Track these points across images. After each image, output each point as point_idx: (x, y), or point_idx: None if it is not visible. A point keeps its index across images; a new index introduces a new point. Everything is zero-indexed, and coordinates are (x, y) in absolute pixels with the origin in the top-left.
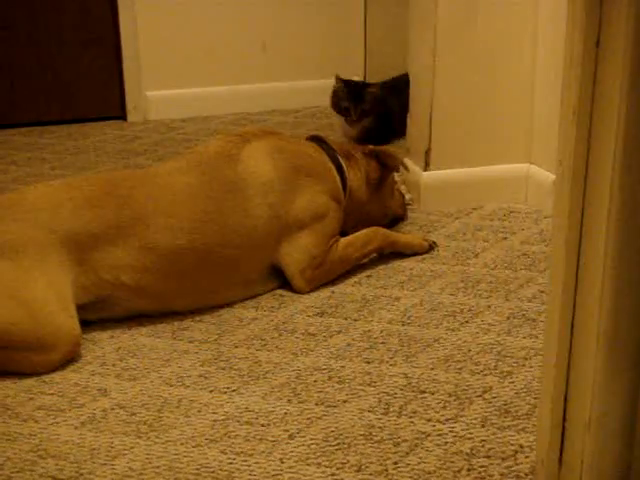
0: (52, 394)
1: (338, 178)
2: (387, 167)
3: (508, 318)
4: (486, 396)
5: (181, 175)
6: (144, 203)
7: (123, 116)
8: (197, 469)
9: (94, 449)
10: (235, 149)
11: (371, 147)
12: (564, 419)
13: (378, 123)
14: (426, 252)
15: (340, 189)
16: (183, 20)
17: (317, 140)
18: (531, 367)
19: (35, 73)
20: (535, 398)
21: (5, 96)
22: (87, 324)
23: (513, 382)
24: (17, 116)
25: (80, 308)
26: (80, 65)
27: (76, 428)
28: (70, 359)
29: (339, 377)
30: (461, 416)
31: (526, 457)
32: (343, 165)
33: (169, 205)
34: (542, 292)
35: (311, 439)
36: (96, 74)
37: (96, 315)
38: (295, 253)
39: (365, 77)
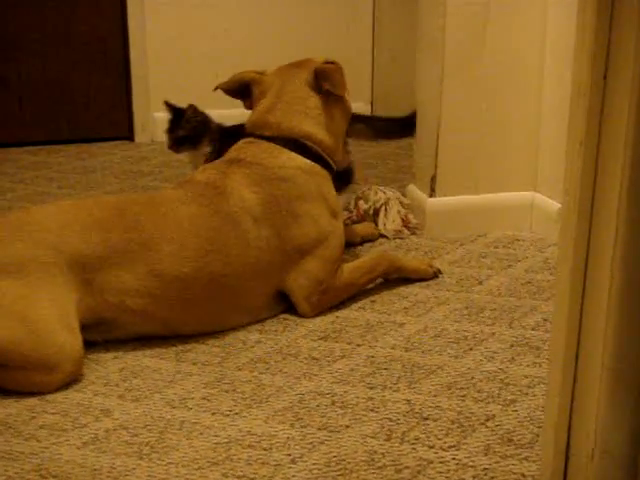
0: (55, 413)
1: (331, 187)
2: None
3: (512, 346)
4: (489, 424)
5: (182, 204)
6: (150, 229)
7: (131, 137)
8: None
9: (96, 470)
10: (219, 181)
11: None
12: (567, 449)
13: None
14: (431, 278)
15: (336, 200)
16: (192, 43)
17: (298, 145)
18: (534, 395)
19: (44, 93)
20: (538, 427)
21: (14, 115)
22: (91, 344)
23: (516, 410)
24: (26, 135)
25: (85, 329)
26: (89, 85)
27: (78, 448)
28: (73, 379)
29: (342, 402)
30: (464, 444)
31: None
32: (330, 162)
33: (175, 233)
34: (546, 320)
35: (313, 464)
36: (105, 95)
37: (101, 336)
38: (300, 279)
39: (372, 102)
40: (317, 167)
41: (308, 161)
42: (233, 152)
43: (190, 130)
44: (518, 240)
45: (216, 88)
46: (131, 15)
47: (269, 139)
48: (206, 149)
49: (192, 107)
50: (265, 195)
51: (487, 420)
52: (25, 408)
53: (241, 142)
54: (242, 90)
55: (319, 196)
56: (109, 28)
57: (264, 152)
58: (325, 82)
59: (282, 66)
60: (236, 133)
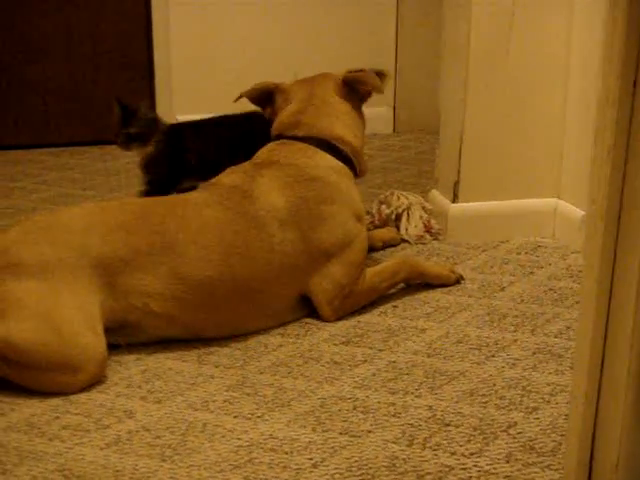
0: (78, 414)
1: (357, 190)
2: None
3: (534, 353)
4: (511, 431)
5: (207, 208)
6: (175, 232)
7: None
8: None
9: (118, 471)
10: (247, 185)
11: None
12: (591, 458)
13: (163, 154)
14: (453, 284)
15: (360, 205)
16: (215, 46)
17: (330, 147)
18: (557, 403)
19: (68, 95)
20: (561, 435)
21: (38, 116)
22: (114, 347)
23: (538, 418)
24: (49, 136)
25: (108, 332)
26: (113, 88)
27: (101, 449)
28: (96, 380)
29: (363, 407)
30: (485, 451)
31: None
32: (355, 163)
33: (198, 237)
34: (569, 328)
35: (335, 468)
36: (129, 97)
37: (124, 340)
38: (324, 283)
39: (395, 107)
40: (346, 169)
41: (339, 162)
42: (264, 154)
43: (141, 128)
44: (541, 247)
45: (240, 97)
46: (155, 18)
47: (301, 139)
48: (150, 148)
49: (144, 104)
50: (295, 198)
51: (509, 427)
52: (49, 408)
53: (272, 144)
54: (264, 98)
55: (347, 198)
56: (133, 31)
57: (298, 153)
58: (363, 86)
59: (302, 79)
60: (181, 133)
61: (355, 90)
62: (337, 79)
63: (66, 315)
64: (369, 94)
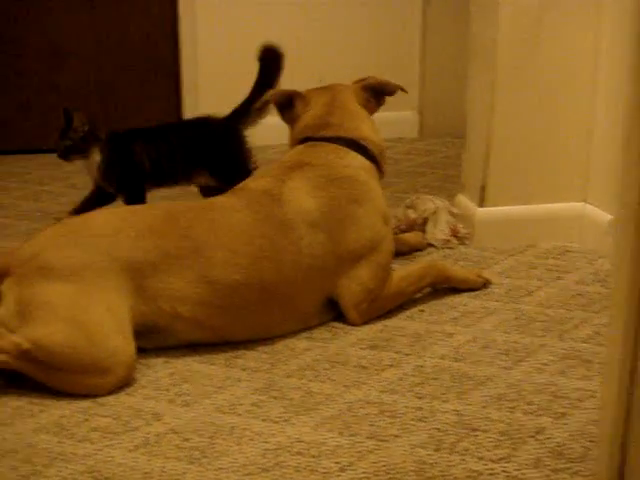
0: (107, 416)
1: (380, 192)
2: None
3: (562, 358)
4: (539, 437)
5: (235, 212)
6: (203, 236)
7: None
8: None
9: (147, 473)
10: (276, 189)
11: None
12: (622, 465)
13: (112, 162)
14: (480, 288)
15: (386, 207)
16: (242, 51)
17: (359, 147)
18: (586, 409)
19: (95, 97)
20: (590, 441)
21: None
22: (142, 350)
23: (567, 424)
24: None
25: (137, 335)
26: (140, 90)
27: (130, 451)
28: (125, 383)
29: (391, 411)
30: (514, 456)
31: None
32: (380, 163)
33: (226, 240)
34: (597, 333)
35: (362, 472)
36: (156, 102)
37: (151, 344)
38: (351, 287)
39: (420, 111)
40: (374, 169)
41: (368, 162)
42: (293, 156)
43: (77, 140)
44: (568, 251)
45: (265, 101)
46: (182, 19)
47: (331, 140)
48: (96, 158)
49: (79, 115)
50: (326, 199)
51: (537, 433)
52: (78, 410)
53: (301, 146)
54: (285, 103)
55: (376, 198)
56: (160, 33)
57: (330, 153)
58: (387, 87)
59: (319, 87)
60: (127, 138)
61: (378, 94)
62: (355, 87)
63: (96, 318)
64: (383, 100)
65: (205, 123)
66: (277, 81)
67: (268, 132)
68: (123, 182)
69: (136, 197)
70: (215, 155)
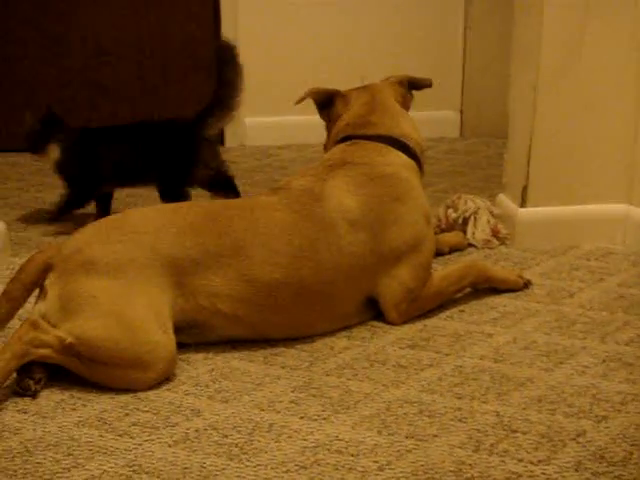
0: (147, 411)
1: (422, 191)
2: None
3: (604, 361)
4: (580, 440)
5: (275, 211)
6: (243, 235)
7: (221, 141)
8: None
9: (186, 468)
10: (317, 188)
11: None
12: None
13: (72, 159)
14: (520, 289)
15: (428, 206)
16: (282, 50)
17: (401, 145)
18: (627, 412)
19: (138, 98)
20: (632, 445)
21: (109, 119)
22: (182, 346)
23: (608, 427)
24: None
25: (177, 331)
26: (182, 91)
27: (169, 446)
28: (165, 378)
29: (429, 411)
30: (554, 459)
31: None
32: (421, 161)
33: (266, 239)
34: None
35: (400, 472)
36: (197, 100)
37: (192, 339)
38: (391, 286)
39: (462, 110)
40: (416, 167)
41: (410, 160)
42: (336, 155)
43: (27, 139)
44: (611, 253)
45: (303, 98)
46: (224, 20)
47: (373, 138)
48: (54, 155)
49: (29, 115)
50: (368, 197)
51: (578, 436)
52: (119, 405)
53: (342, 145)
54: (325, 102)
55: (418, 197)
56: (202, 34)
57: (372, 151)
58: (422, 82)
59: (359, 86)
60: (92, 138)
61: (415, 88)
62: (391, 84)
63: (137, 313)
64: (412, 95)
65: (169, 125)
66: (239, 78)
67: (308, 131)
68: (75, 180)
69: (83, 197)
70: (174, 157)
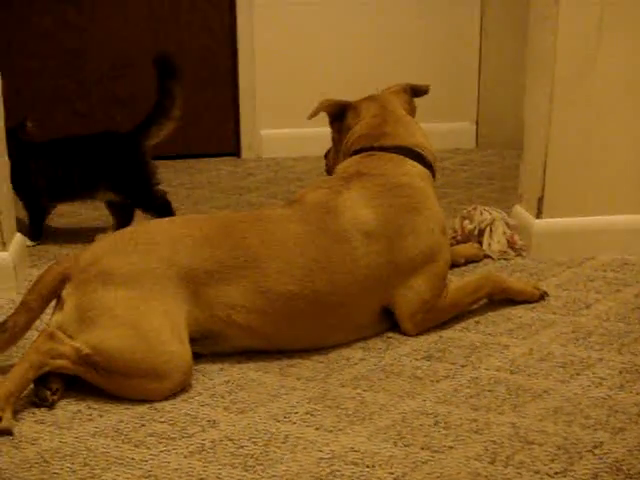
0: (163, 422)
1: (437, 200)
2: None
3: (621, 372)
4: (597, 451)
5: (290, 223)
6: (257, 247)
7: (237, 153)
8: None
9: (202, 479)
10: (332, 201)
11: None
12: None
13: (13, 175)
14: (536, 301)
15: (443, 217)
16: (299, 63)
17: (416, 155)
18: None
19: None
20: None
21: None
22: (197, 356)
23: (625, 439)
24: None
25: (192, 341)
26: (198, 103)
27: (185, 457)
28: (181, 388)
29: (445, 422)
30: (570, 470)
31: None
32: (434, 170)
33: (281, 251)
34: None
35: None
36: (213, 112)
37: (207, 350)
38: (407, 296)
39: (477, 122)
40: (430, 177)
41: (425, 169)
42: (351, 167)
43: None
44: (627, 264)
45: (317, 112)
46: (240, 34)
47: (388, 149)
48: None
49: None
50: (383, 207)
51: (595, 447)
52: (135, 416)
53: (357, 156)
54: (338, 114)
55: (434, 207)
56: (219, 45)
57: (388, 162)
58: (423, 89)
59: (367, 96)
60: (26, 152)
61: (415, 95)
62: (398, 93)
63: (154, 324)
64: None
65: (107, 137)
66: (178, 90)
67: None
68: (21, 195)
69: (37, 213)
70: (117, 170)
